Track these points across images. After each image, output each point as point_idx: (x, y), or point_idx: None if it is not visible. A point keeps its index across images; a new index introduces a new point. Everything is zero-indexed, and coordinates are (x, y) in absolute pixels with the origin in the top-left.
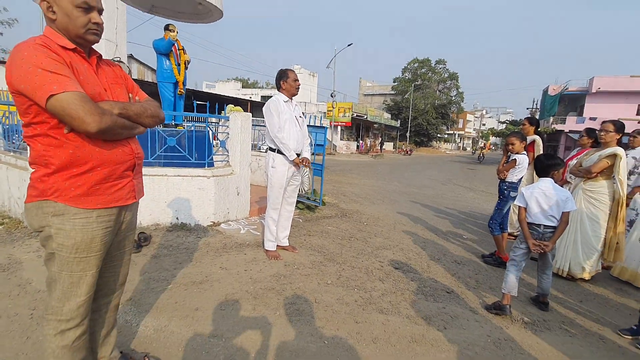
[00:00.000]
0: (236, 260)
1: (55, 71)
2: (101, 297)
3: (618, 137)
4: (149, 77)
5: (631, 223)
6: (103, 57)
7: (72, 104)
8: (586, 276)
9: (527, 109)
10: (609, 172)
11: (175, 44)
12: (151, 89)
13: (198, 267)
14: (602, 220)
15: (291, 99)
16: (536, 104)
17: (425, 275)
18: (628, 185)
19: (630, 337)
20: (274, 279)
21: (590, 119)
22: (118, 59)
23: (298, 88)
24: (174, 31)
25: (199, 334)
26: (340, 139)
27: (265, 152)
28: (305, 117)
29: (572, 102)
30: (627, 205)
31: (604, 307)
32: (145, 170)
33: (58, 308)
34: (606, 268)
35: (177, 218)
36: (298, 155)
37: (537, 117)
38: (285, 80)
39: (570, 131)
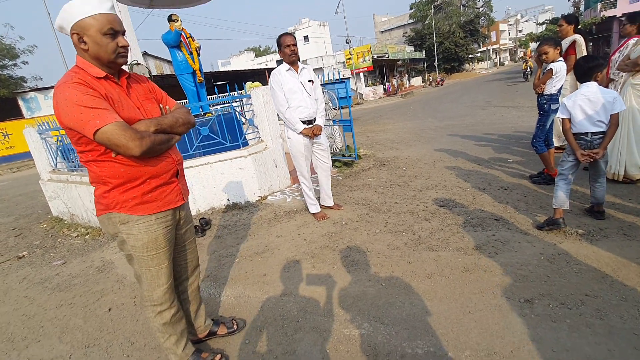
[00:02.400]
0: (288, 227)
1: (95, 106)
2: (183, 280)
3: None
4: (167, 69)
5: None
6: (128, 71)
7: (115, 134)
8: None
9: (569, 0)
10: None
11: (183, 33)
12: (171, 82)
13: (256, 239)
14: None
15: (295, 64)
16: None
17: (471, 207)
18: None
19: None
20: (326, 237)
21: None
22: (135, 61)
23: (293, 54)
24: (177, 21)
25: (271, 296)
26: (365, 86)
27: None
28: (324, 74)
29: None
30: None
31: None
32: (189, 162)
33: (149, 296)
34: None
35: (228, 199)
36: (311, 122)
37: (581, 7)
38: (280, 49)
39: (624, 15)
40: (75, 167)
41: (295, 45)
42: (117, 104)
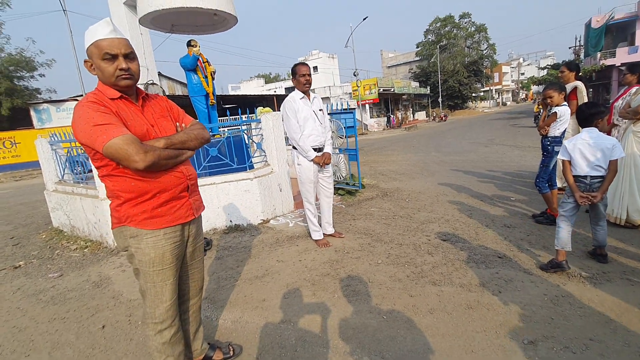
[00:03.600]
0: (290, 252)
1: (103, 122)
2: (187, 300)
3: None
4: (179, 90)
5: None
6: (144, 90)
7: (119, 147)
8: None
9: (570, 47)
10: None
11: (200, 58)
12: (182, 102)
13: (257, 262)
14: None
15: (307, 93)
16: (579, 41)
17: (474, 243)
18: None
19: None
20: (327, 265)
21: None
22: (151, 81)
23: (307, 83)
24: (196, 46)
25: (270, 322)
26: (370, 117)
27: (293, 147)
28: (330, 102)
29: (621, 31)
30: None
31: None
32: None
33: (152, 313)
34: None
35: (230, 221)
36: (321, 149)
37: (581, 55)
38: (294, 77)
39: (622, 64)
40: (81, 179)
41: (310, 75)
42: (130, 122)
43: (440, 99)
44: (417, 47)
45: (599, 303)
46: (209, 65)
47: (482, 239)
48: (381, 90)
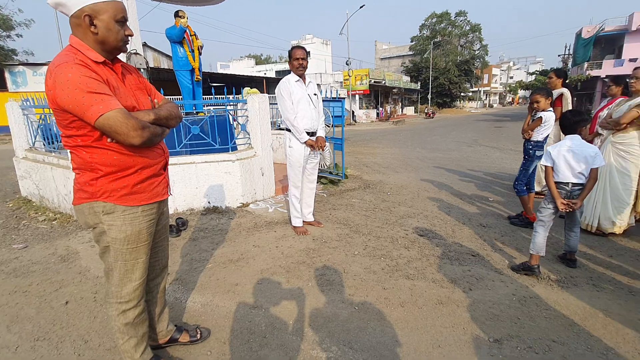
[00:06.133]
0: (267, 238)
1: (99, 91)
2: (150, 280)
3: None
4: (164, 64)
5: None
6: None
7: (117, 121)
8: (617, 230)
9: (559, 55)
10: (639, 123)
11: (187, 31)
12: (167, 76)
13: (233, 246)
14: (634, 172)
15: (303, 77)
16: (569, 50)
17: (450, 240)
18: None
19: None
20: (304, 253)
21: (630, 60)
22: (134, 51)
23: (301, 67)
24: (184, 17)
25: (241, 306)
26: (359, 108)
27: (285, 130)
28: (321, 90)
29: (609, 43)
30: None
31: (636, 260)
32: (174, 159)
33: (117, 292)
34: None
35: (208, 202)
36: (314, 134)
37: (569, 63)
38: (289, 60)
39: (607, 76)
40: (54, 148)
41: (304, 59)
42: (116, 91)
43: (429, 96)
44: (412, 41)
45: (564, 306)
46: (197, 39)
47: (458, 237)
48: (372, 81)
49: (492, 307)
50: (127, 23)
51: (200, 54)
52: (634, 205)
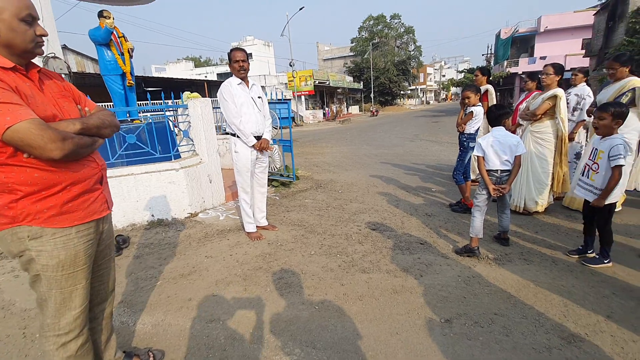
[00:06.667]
0: (220, 247)
1: (5, 101)
2: (95, 305)
3: (558, 78)
4: (90, 67)
5: (578, 155)
6: (38, 65)
7: (29, 133)
8: (540, 209)
9: (483, 55)
10: (552, 113)
11: (115, 32)
12: (94, 81)
13: (183, 259)
14: (549, 157)
15: (245, 80)
16: (491, 49)
17: (400, 231)
18: (572, 121)
19: (577, 256)
20: (260, 258)
21: (541, 58)
22: (52, 54)
23: (242, 69)
24: (109, 18)
25: (196, 322)
26: (306, 109)
27: (231, 134)
28: (266, 93)
29: (524, 43)
30: (572, 139)
31: (556, 234)
32: (109, 172)
33: (54, 324)
34: (558, 199)
35: (152, 215)
36: (260, 137)
37: (493, 61)
38: (230, 63)
39: (523, 73)
40: None
41: (244, 61)
42: (31, 100)
43: (372, 95)
44: (352, 43)
45: (502, 281)
46: (126, 41)
47: (407, 227)
48: (317, 82)
49: (441, 290)
50: (39, 22)
51: (131, 56)
52: (552, 185)
